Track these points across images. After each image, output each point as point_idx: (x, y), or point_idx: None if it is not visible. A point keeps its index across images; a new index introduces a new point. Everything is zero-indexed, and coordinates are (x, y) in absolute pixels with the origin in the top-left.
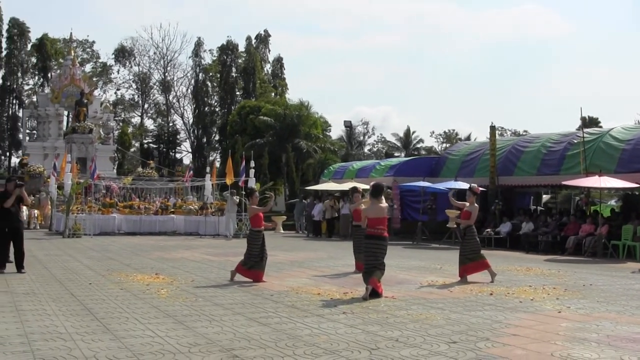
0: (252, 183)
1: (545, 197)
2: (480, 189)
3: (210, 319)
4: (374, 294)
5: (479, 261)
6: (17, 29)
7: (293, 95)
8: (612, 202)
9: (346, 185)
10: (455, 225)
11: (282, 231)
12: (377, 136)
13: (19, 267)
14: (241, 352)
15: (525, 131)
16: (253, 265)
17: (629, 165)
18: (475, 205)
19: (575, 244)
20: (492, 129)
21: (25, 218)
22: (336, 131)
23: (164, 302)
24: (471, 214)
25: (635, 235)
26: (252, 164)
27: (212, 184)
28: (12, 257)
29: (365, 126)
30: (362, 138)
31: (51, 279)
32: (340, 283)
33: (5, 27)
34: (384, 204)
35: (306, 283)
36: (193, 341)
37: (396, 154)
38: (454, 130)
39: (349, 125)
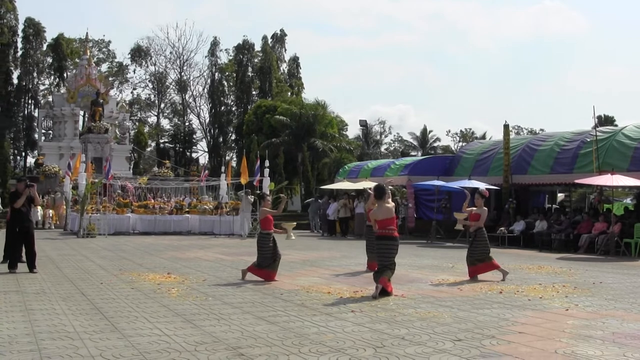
0: (267, 183)
1: (560, 196)
2: (494, 187)
3: (218, 318)
4: (384, 292)
5: (487, 262)
6: (33, 29)
7: (310, 95)
8: (628, 201)
9: (361, 185)
10: (462, 228)
11: (293, 237)
12: (394, 135)
13: (31, 267)
14: (247, 351)
15: (541, 130)
16: (266, 266)
17: None
18: (484, 208)
19: (588, 242)
20: (506, 127)
21: (40, 218)
22: (353, 130)
23: (173, 301)
24: (480, 216)
25: None
26: (267, 163)
27: (228, 184)
28: (24, 257)
29: (382, 125)
30: (378, 137)
31: (62, 279)
32: (351, 282)
33: (20, 26)
34: (390, 204)
35: (317, 282)
36: (200, 339)
37: (413, 153)
38: (470, 129)
39: (364, 125)
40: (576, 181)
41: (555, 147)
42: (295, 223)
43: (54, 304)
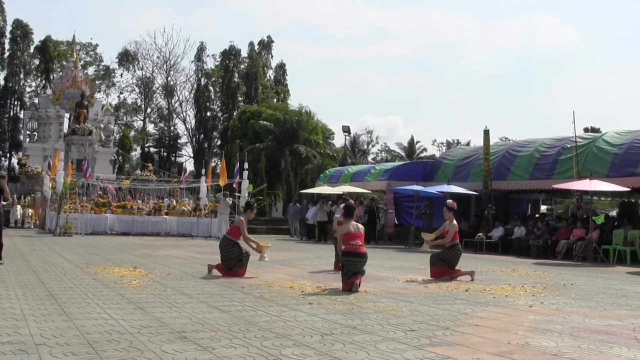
0: (246, 185)
1: (543, 208)
2: (474, 193)
3: (171, 306)
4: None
5: (451, 270)
6: (21, 30)
7: (296, 103)
8: (614, 213)
9: (340, 189)
10: (429, 248)
11: (267, 259)
12: (381, 145)
13: None
14: (190, 334)
15: None
16: (233, 266)
17: (621, 170)
18: (454, 223)
19: (566, 248)
20: (486, 133)
21: (19, 217)
22: (340, 140)
23: (131, 291)
24: (448, 233)
25: (626, 240)
26: (246, 165)
27: (208, 186)
28: None
29: (369, 135)
30: (365, 147)
31: (26, 270)
32: (317, 279)
33: (8, 28)
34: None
35: (282, 278)
36: (146, 324)
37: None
38: (457, 140)
39: (347, 131)
40: (554, 186)
41: (535, 153)
42: (270, 245)
43: (10, 291)
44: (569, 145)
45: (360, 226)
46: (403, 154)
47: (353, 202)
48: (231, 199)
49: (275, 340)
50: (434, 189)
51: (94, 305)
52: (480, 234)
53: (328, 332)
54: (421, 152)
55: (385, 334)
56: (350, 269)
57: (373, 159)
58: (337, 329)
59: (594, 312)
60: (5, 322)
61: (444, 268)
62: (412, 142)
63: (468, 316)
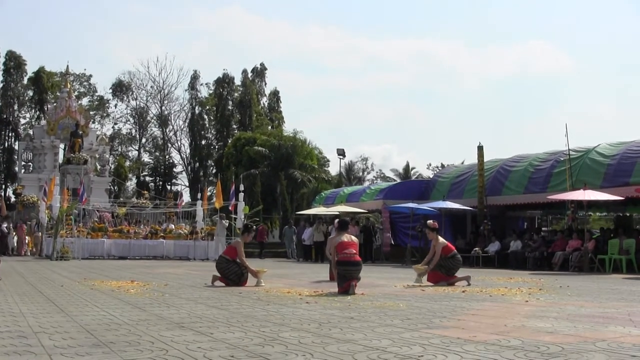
0: (242, 206)
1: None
2: (469, 209)
3: (169, 306)
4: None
5: (449, 276)
6: (14, 62)
7: (291, 129)
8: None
9: (336, 209)
10: (421, 282)
11: (263, 284)
12: (377, 172)
13: None
14: (189, 325)
15: None
16: (238, 280)
17: (614, 180)
18: (439, 240)
19: (562, 259)
20: (480, 149)
21: (15, 244)
22: (335, 167)
23: (129, 297)
24: (437, 250)
25: (621, 249)
26: (242, 187)
27: (204, 210)
28: None
29: (364, 162)
30: (361, 174)
31: (24, 283)
32: (314, 286)
33: (2, 59)
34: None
35: (280, 286)
36: (144, 318)
37: None
38: (452, 164)
39: (342, 154)
40: (549, 197)
41: (529, 167)
42: (266, 270)
43: (7, 297)
44: (562, 159)
45: (354, 237)
46: (398, 180)
47: (348, 220)
48: (227, 221)
49: (273, 327)
50: (429, 205)
51: (92, 306)
52: (476, 248)
53: (326, 321)
54: (416, 177)
55: (383, 322)
56: (345, 276)
57: (368, 186)
58: (335, 319)
59: (589, 304)
60: (3, 318)
61: (441, 273)
62: (407, 168)
63: (465, 309)
